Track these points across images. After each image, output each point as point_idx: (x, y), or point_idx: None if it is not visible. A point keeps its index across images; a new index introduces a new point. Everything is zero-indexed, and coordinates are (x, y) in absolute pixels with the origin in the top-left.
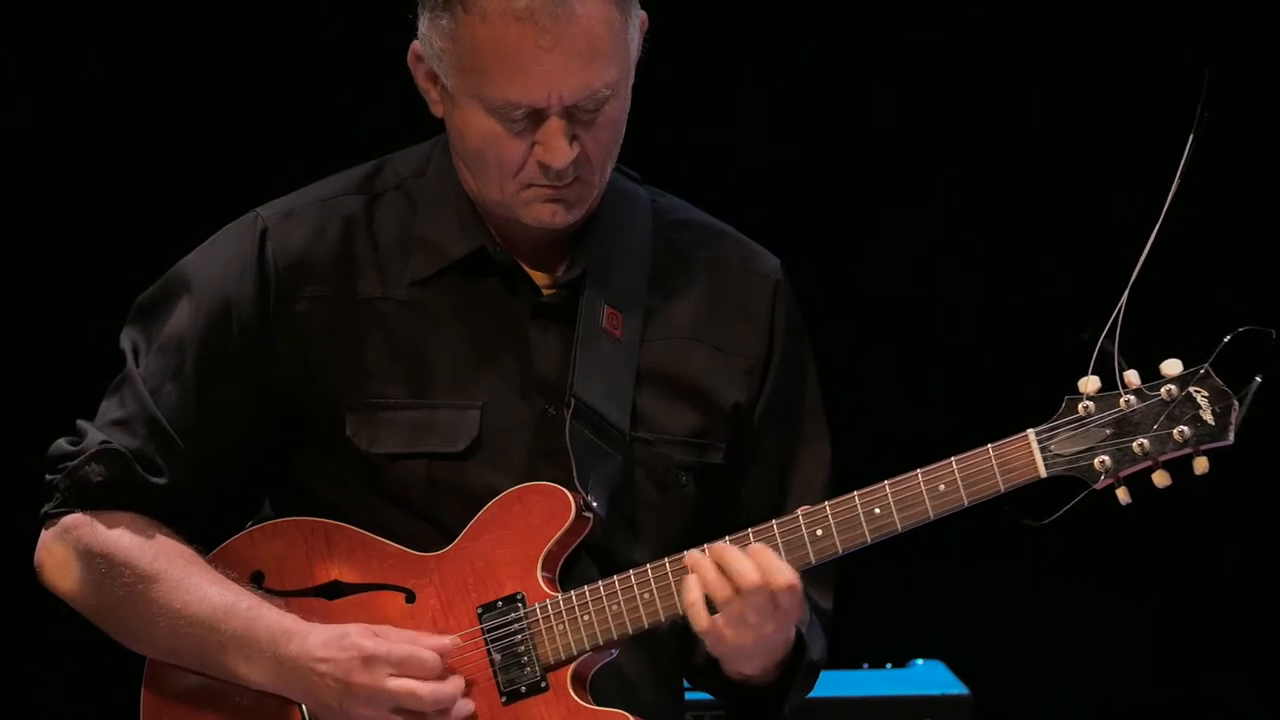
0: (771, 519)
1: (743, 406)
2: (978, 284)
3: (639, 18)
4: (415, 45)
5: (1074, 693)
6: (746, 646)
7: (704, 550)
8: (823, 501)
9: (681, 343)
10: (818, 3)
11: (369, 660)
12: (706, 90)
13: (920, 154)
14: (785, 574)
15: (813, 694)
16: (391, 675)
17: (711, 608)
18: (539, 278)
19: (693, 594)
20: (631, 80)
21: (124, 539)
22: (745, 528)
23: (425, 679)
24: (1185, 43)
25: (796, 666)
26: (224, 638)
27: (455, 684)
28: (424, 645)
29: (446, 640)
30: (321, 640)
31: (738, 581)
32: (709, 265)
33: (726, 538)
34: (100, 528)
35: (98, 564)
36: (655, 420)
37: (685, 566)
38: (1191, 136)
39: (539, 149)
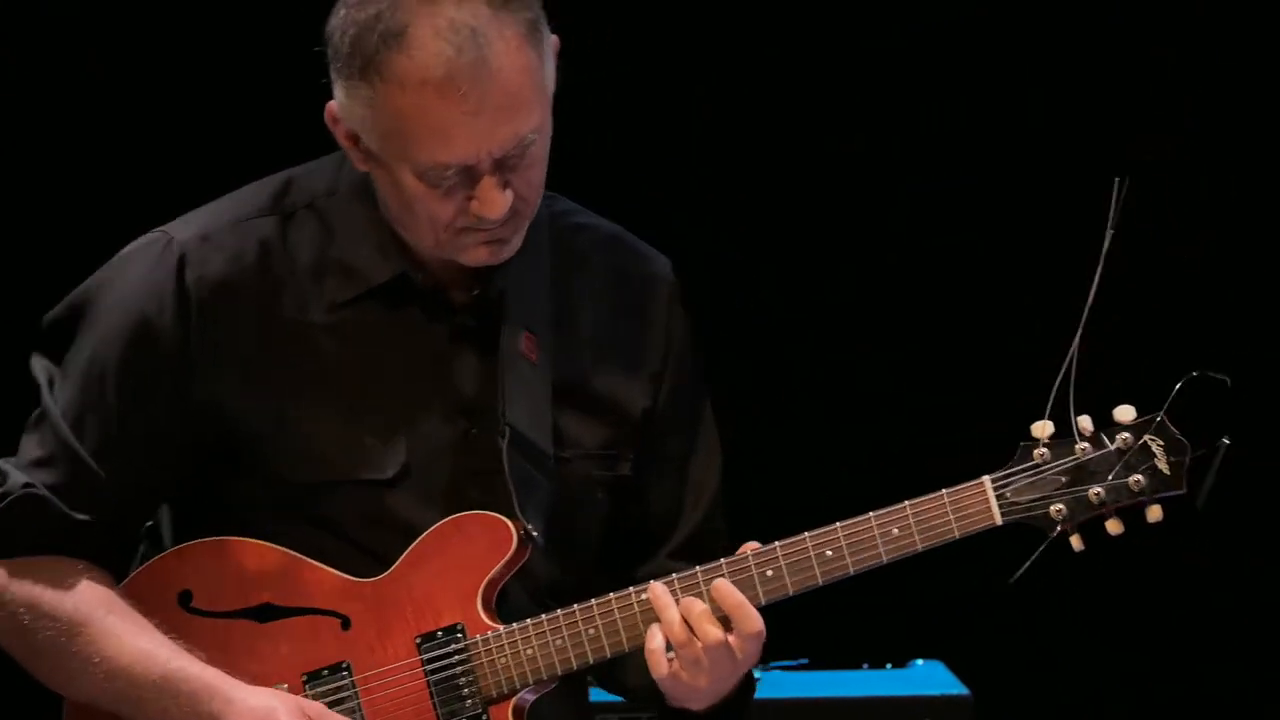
0: (670, 524)
1: (649, 412)
2: (937, 324)
3: (551, 44)
4: (331, 105)
5: (1074, 693)
6: (701, 690)
7: (671, 590)
8: (716, 498)
9: (590, 356)
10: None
11: None
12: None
13: (874, 199)
14: (752, 623)
15: (813, 694)
16: None
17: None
18: (457, 299)
19: (654, 641)
20: (550, 110)
21: (49, 587)
22: (649, 535)
23: None
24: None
25: (743, 702)
26: (142, 689)
27: None
28: None
29: None
30: (246, 709)
31: (702, 638)
32: (606, 271)
33: (675, 576)
34: (25, 575)
35: (21, 614)
36: (572, 437)
37: (634, 605)
38: (1118, 182)
39: (475, 203)
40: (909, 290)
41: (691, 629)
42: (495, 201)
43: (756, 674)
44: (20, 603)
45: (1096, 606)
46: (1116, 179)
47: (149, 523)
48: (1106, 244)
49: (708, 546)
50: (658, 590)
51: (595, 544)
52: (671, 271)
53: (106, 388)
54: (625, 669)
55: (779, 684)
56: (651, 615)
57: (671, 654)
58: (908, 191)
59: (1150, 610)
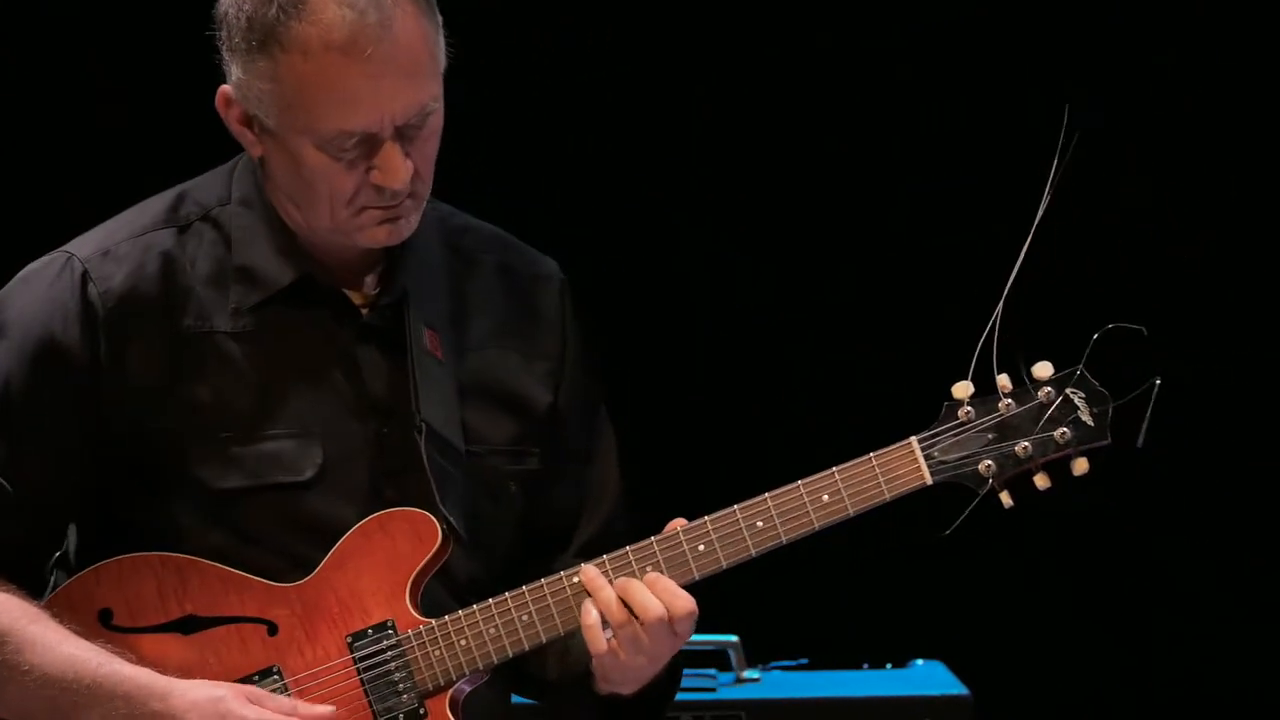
0: (573, 523)
1: (551, 406)
2: (856, 288)
3: (439, 23)
4: (224, 89)
5: (1074, 693)
6: (635, 667)
7: (604, 571)
8: (620, 487)
9: (490, 352)
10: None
11: None
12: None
13: (803, 155)
14: (685, 604)
15: (813, 694)
16: None
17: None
18: (359, 298)
19: (590, 617)
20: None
21: None
22: (555, 534)
23: None
24: (1063, 49)
25: (671, 687)
26: (77, 696)
27: None
28: (302, 715)
29: (325, 710)
30: (189, 702)
31: (640, 615)
32: (498, 271)
33: (605, 558)
34: None
35: None
36: (480, 432)
37: (566, 589)
38: (1060, 143)
39: (375, 174)
40: (835, 255)
41: (629, 607)
42: (397, 169)
43: (756, 674)
44: None
45: (1096, 606)
46: (1075, 133)
47: (59, 549)
48: (1042, 209)
49: (611, 548)
50: (590, 572)
51: (511, 539)
52: (560, 270)
53: (11, 405)
54: (544, 661)
55: (779, 684)
56: (583, 596)
57: (609, 632)
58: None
59: (1150, 610)
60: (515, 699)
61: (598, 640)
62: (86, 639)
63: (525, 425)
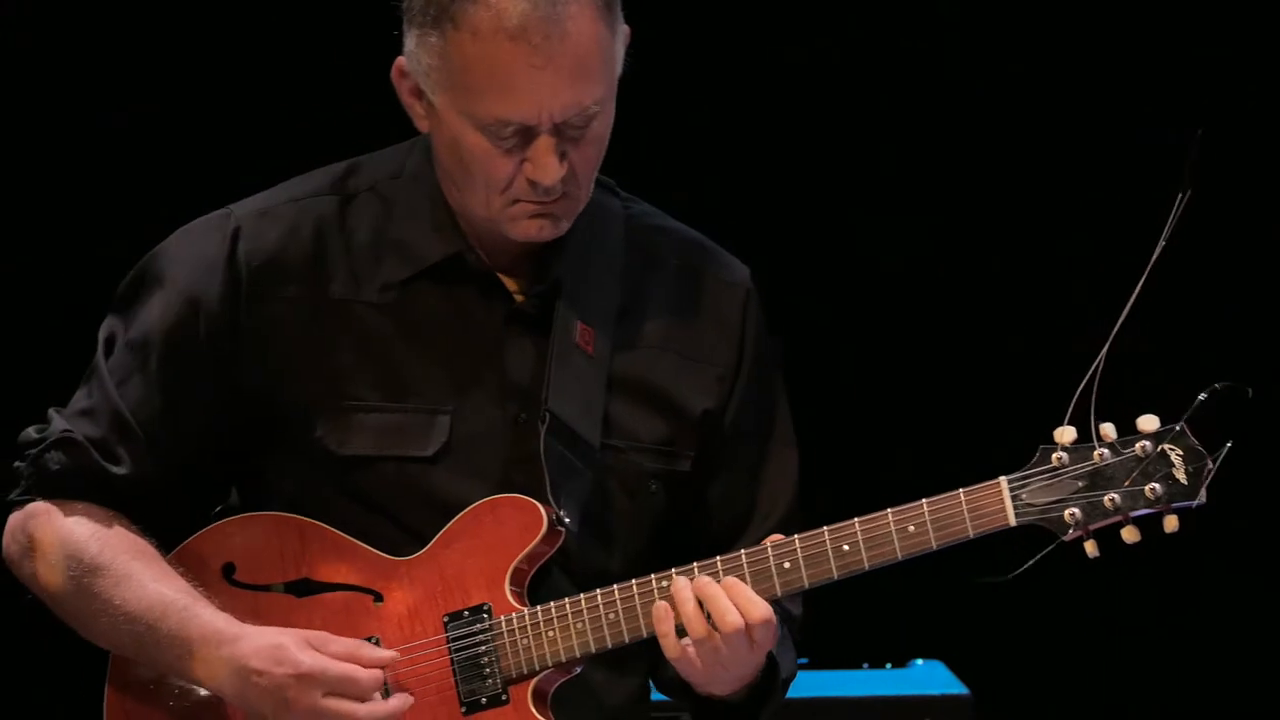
0: (739, 527)
1: (712, 414)
2: (965, 327)
3: (624, 32)
4: (400, 61)
5: (1074, 693)
6: (717, 675)
7: (688, 578)
8: (791, 509)
9: (651, 352)
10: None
11: (305, 678)
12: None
13: (906, 196)
14: (761, 610)
15: (813, 694)
16: (328, 694)
17: (681, 632)
18: (513, 284)
19: (665, 624)
20: (615, 95)
21: (76, 529)
22: (711, 536)
23: (362, 698)
24: (1181, 101)
25: (769, 688)
26: (159, 635)
27: (397, 701)
28: (364, 660)
29: (387, 654)
30: (254, 648)
31: (717, 623)
32: (681, 274)
33: (695, 565)
34: (57, 516)
35: (49, 553)
36: (625, 428)
37: (654, 591)
38: (1180, 195)
39: (528, 166)
40: (941, 290)
41: (708, 616)
42: (549, 166)
43: None
44: (50, 542)
45: (1096, 606)
46: (1180, 193)
47: (187, 497)
48: (1155, 256)
49: None
50: (680, 584)
51: (647, 537)
52: (750, 279)
53: (150, 355)
54: (659, 661)
55: None
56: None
57: (687, 640)
58: (950, 191)
59: (1150, 610)
60: (656, 696)
61: (671, 646)
62: (207, 591)
63: (677, 427)
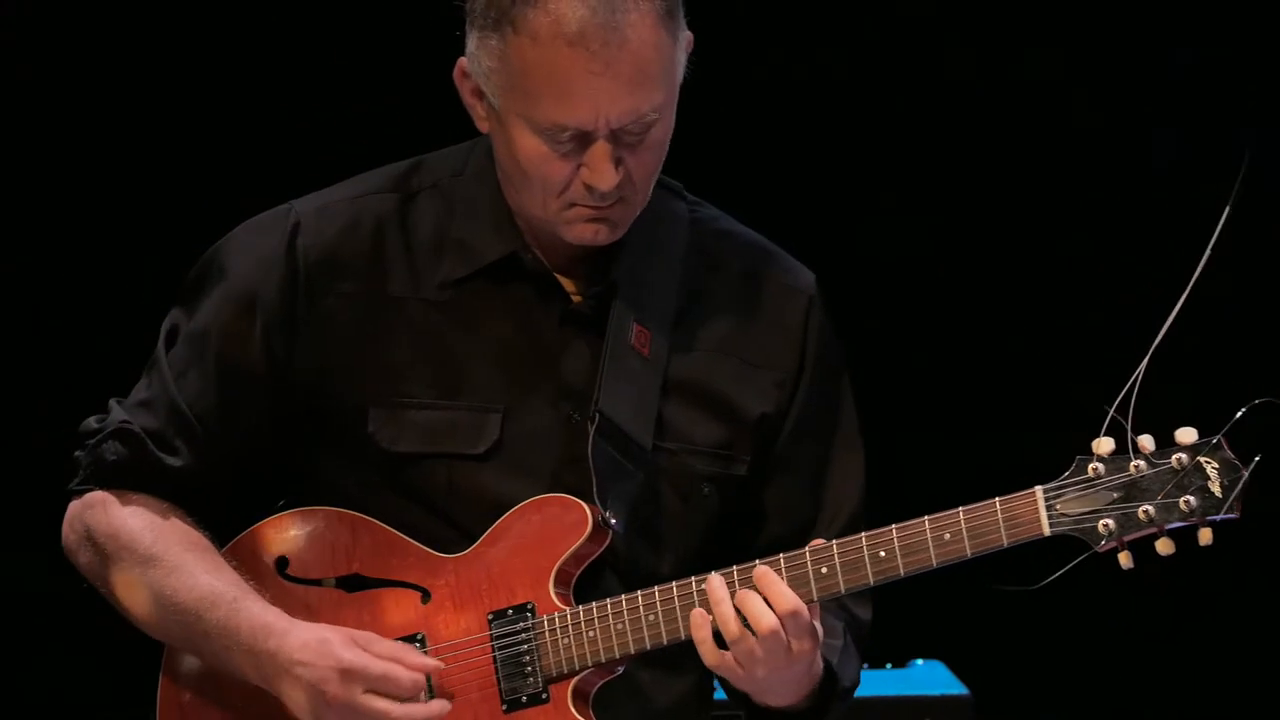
0: (804, 531)
1: (770, 418)
2: (1006, 335)
3: (685, 39)
4: (462, 61)
5: (1074, 693)
6: (760, 680)
7: (729, 582)
8: (856, 512)
9: (710, 355)
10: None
11: (346, 673)
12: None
13: (950, 201)
14: (789, 601)
15: None
16: (367, 692)
17: (721, 642)
18: (569, 284)
19: (702, 631)
20: (676, 101)
21: (132, 519)
22: (773, 539)
23: (400, 698)
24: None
25: (829, 695)
26: (208, 626)
27: (435, 706)
28: (407, 663)
29: (431, 661)
30: (300, 642)
31: (754, 626)
32: (743, 278)
33: (735, 568)
34: (114, 506)
35: (104, 543)
36: (680, 431)
37: (694, 593)
38: (1227, 209)
39: (585, 171)
40: (984, 298)
41: (744, 619)
42: (605, 172)
43: None
44: (106, 531)
45: (1096, 606)
46: (1226, 208)
47: (243, 491)
48: (1199, 269)
49: None
50: (715, 583)
51: (699, 540)
52: (815, 285)
53: (208, 349)
54: None
55: None
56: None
57: (725, 651)
58: (994, 198)
59: (1150, 610)
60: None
61: (709, 653)
62: (260, 584)
63: (734, 431)
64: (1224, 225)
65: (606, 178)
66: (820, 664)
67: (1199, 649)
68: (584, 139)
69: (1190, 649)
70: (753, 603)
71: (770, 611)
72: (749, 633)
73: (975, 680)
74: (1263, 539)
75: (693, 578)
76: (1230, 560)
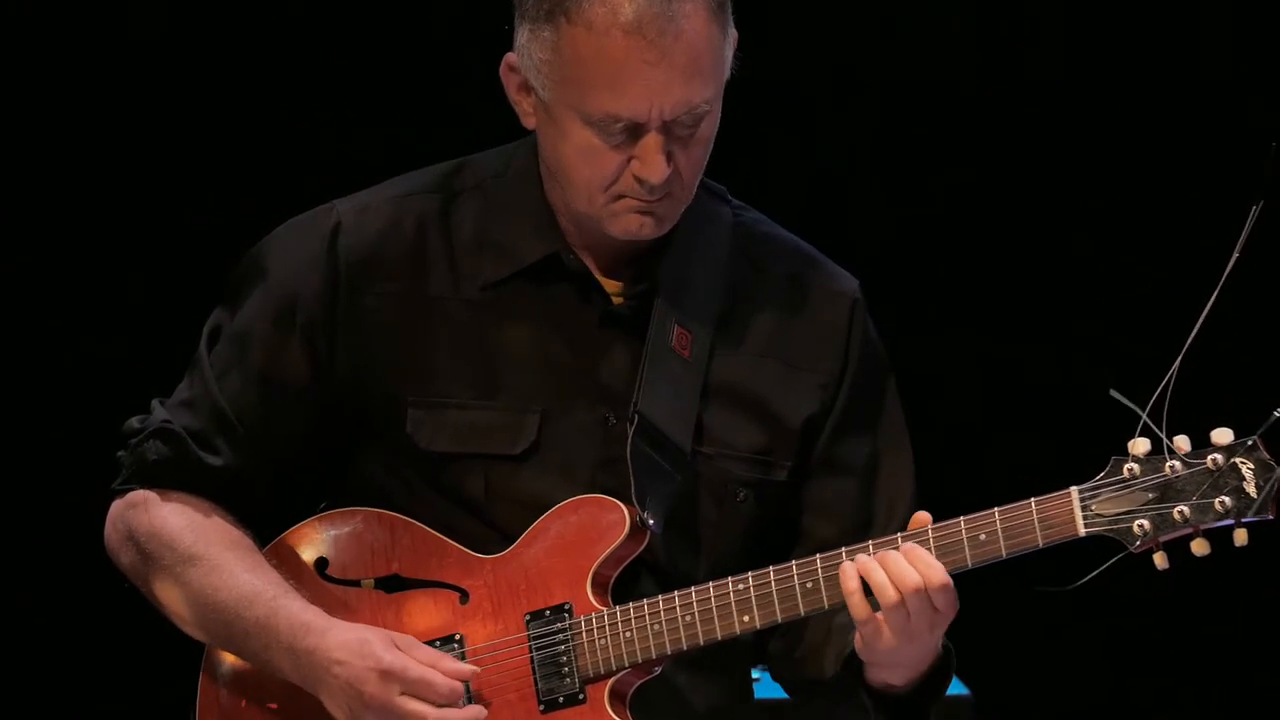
0: (859, 536)
1: (814, 421)
2: (1042, 336)
3: (733, 36)
4: (509, 57)
5: (1074, 693)
6: (901, 649)
7: (867, 553)
8: (910, 512)
9: (751, 359)
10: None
11: (384, 674)
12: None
13: (990, 201)
14: (940, 574)
15: None
16: (404, 694)
17: (873, 604)
18: (610, 285)
19: (852, 583)
20: (722, 98)
21: (173, 518)
22: (822, 541)
23: (437, 703)
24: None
25: (943, 675)
26: (247, 625)
27: (471, 711)
28: (443, 669)
29: (467, 668)
30: (339, 641)
31: (898, 582)
32: (786, 282)
33: (844, 550)
34: (155, 506)
35: (145, 542)
36: (718, 435)
37: (730, 595)
38: (1256, 206)
39: (635, 164)
40: (1020, 296)
41: (894, 584)
42: (657, 165)
43: (756, 673)
44: (148, 531)
45: (1096, 606)
46: (1254, 205)
47: (283, 490)
48: (1229, 267)
49: None
50: (863, 558)
51: (737, 544)
52: (858, 290)
53: (249, 348)
54: (821, 658)
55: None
56: (746, 605)
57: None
58: (1026, 200)
59: (1150, 609)
60: (759, 694)
61: (859, 605)
62: (300, 584)
63: (775, 436)
64: (1254, 222)
65: (658, 169)
66: (940, 643)
67: (1199, 649)
68: (635, 131)
69: (1190, 649)
70: (894, 562)
71: (913, 570)
72: (898, 594)
73: (975, 680)
74: (1262, 539)
75: (729, 579)
76: (1229, 560)
